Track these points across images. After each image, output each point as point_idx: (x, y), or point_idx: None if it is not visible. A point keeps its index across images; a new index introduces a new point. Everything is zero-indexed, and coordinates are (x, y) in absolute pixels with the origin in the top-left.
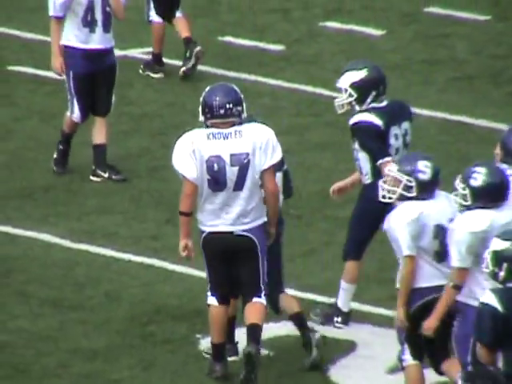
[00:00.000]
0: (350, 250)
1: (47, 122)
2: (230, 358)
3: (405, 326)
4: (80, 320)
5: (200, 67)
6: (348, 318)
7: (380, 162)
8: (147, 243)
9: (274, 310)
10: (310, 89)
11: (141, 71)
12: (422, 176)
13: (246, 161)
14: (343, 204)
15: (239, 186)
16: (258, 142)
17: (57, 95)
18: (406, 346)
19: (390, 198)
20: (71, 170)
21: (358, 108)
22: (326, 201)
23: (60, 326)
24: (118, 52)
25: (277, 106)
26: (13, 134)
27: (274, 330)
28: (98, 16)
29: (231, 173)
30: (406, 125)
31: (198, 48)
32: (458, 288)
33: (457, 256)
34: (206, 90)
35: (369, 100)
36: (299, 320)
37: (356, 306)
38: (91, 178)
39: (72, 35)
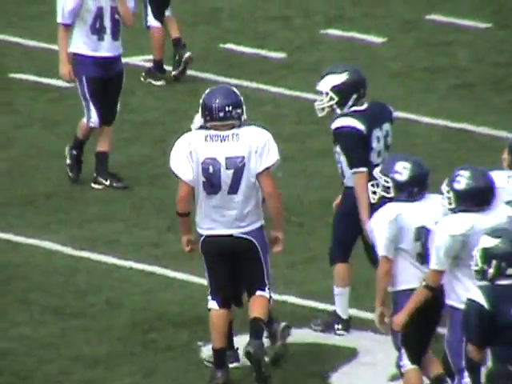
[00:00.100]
0: (335, 253)
1: (49, 130)
2: (231, 365)
3: (384, 326)
4: (81, 327)
5: (201, 74)
6: (348, 324)
7: (354, 170)
8: (148, 251)
9: (236, 304)
10: (311, 96)
11: (142, 79)
12: (398, 177)
13: (241, 164)
14: None
15: (234, 189)
16: (254, 146)
17: (59, 102)
18: (403, 350)
19: (373, 199)
20: None
21: (339, 111)
22: (328, 208)
23: (61, 333)
24: None
25: (278, 114)
26: (14, 141)
27: None
28: (107, 23)
29: (226, 176)
30: (386, 126)
31: (188, 54)
32: (430, 289)
33: (435, 258)
34: (206, 91)
35: (350, 103)
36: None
37: (357, 313)
38: (92, 185)
39: (81, 42)
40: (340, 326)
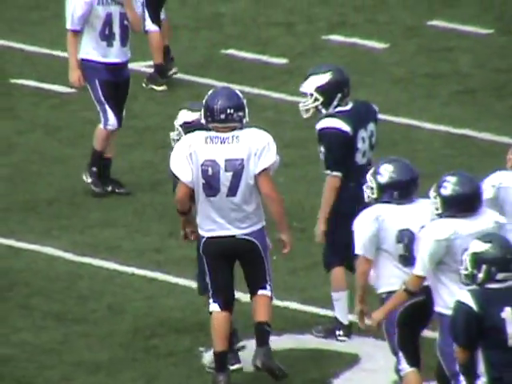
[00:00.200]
0: (330, 258)
1: (51, 136)
2: (232, 367)
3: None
4: (83, 333)
5: (203, 80)
6: (350, 330)
7: (328, 172)
8: (150, 256)
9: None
10: None
11: (144, 85)
12: (379, 178)
13: (240, 167)
14: None
15: (233, 191)
16: (253, 148)
17: (61, 108)
18: (400, 354)
19: (366, 199)
20: (74, 183)
21: (324, 111)
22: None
23: (63, 339)
24: None
25: (280, 119)
26: (16, 147)
27: (277, 343)
28: (116, 29)
29: (225, 178)
30: (371, 126)
31: (174, 70)
32: (409, 293)
33: (419, 264)
34: (209, 92)
35: (335, 103)
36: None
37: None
38: (93, 188)
39: (90, 48)
40: (341, 332)
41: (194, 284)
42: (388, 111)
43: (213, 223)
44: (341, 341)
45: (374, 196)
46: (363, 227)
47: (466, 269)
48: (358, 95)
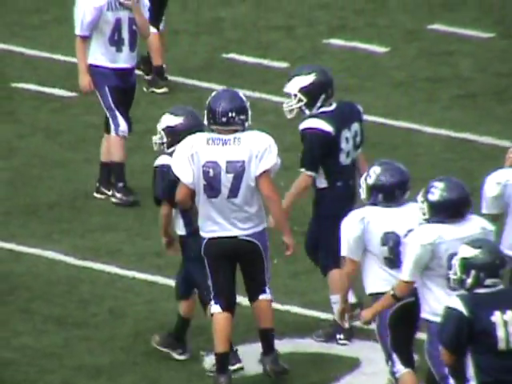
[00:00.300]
0: (326, 261)
1: (52, 139)
2: (233, 367)
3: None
4: (84, 337)
5: (204, 84)
6: (350, 333)
7: (302, 170)
8: (151, 260)
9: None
10: None
11: (145, 89)
12: (367, 180)
13: (241, 169)
14: None
15: (234, 193)
16: (255, 150)
17: (62, 112)
18: (394, 356)
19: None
20: (75, 187)
21: (307, 112)
22: None
23: (64, 343)
24: None
25: (280, 123)
26: (17, 151)
27: (278, 347)
28: (125, 35)
29: (226, 180)
30: (355, 126)
31: (163, 90)
32: (396, 298)
33: (406, 269)
34: (213, 94)
35: (318, 104)
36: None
37: (358, 323)
38: (95, 195)
39: (99, 54)
40: (342, 336)
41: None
42: (388, 115)
43: (214, 224)
44: (342, 344)
45: (363, 197)
46: (348, 229)
47: (455, 273)
48: (358, 99)
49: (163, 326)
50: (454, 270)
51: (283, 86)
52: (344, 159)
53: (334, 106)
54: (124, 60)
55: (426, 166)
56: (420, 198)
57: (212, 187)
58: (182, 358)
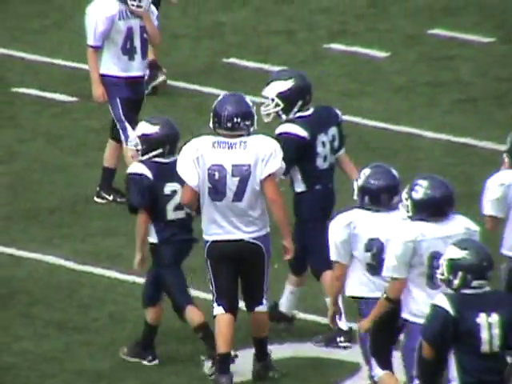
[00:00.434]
0: (318, 264)
1: (53, 144)
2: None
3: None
4: (85, 342)
5: (204, 88)
6: (350, 335)
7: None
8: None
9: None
10: None
11: (146, 91)
12: (359, 182)
13: (246, 172)
14: None
15: (239, 196)
16: (261, 154)
17: (62, 117)
18: (372, 360)
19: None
20: (75, 192)
21: (284, 117)
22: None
23: (65, 347)
24: None
25: None
26: (18, 155)
27: (278, 351)
28: (137, 43)
29: (231, 183)
30: (333, 130)
31: (162, 78)
32: (390, 301)
33: (389, 265)
34: (220, 98)
35: (295, 109)
36: (204, 331)
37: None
38: (95, 199)
39: (111, 63)
40: (342, 339)
41: (194, 293)
42: (389, 120)
43: (218, 227)
44: (343, 347)
45: (355, 198)
46: (336, 233)
47: (442, 274)
48: (358, 104)
49: (163, 331)
50: (442, 271)
51: None
52: (321, 163)
53: (311, 110)
54: (136, 68)
55: (426, 171)
56: (404, 195)
57: (217, 190)
58: (152, 364)
